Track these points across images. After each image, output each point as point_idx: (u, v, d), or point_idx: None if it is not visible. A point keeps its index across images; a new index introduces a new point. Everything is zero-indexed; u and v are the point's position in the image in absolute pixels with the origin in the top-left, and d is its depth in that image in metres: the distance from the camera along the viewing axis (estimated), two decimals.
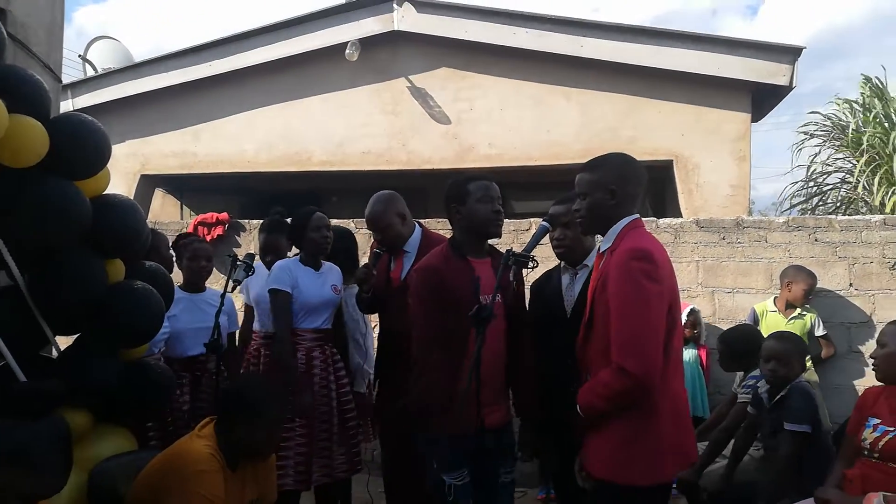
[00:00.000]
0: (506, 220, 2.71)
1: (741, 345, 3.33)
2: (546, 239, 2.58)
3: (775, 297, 4.38)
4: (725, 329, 3.91)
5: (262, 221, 4.03)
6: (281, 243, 3.69)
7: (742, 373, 3.43)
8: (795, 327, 4.19)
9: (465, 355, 2.32)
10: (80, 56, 8.53)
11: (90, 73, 8.11)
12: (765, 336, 3.20)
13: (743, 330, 3.67)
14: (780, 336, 3.03)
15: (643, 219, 4.71)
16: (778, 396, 2.88)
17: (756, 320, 4.33)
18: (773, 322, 4.21)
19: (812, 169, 9.02)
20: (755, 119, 6.58)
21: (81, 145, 2.35)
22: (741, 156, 6.14)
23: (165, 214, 8.07)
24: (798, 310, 4.27)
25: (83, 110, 6.99)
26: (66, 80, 6.04)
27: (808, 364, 4.22)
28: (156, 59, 7.23)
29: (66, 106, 6.91)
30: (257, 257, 3.68)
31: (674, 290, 2.08)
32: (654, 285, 1.97)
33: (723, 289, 4.73)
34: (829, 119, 9.19)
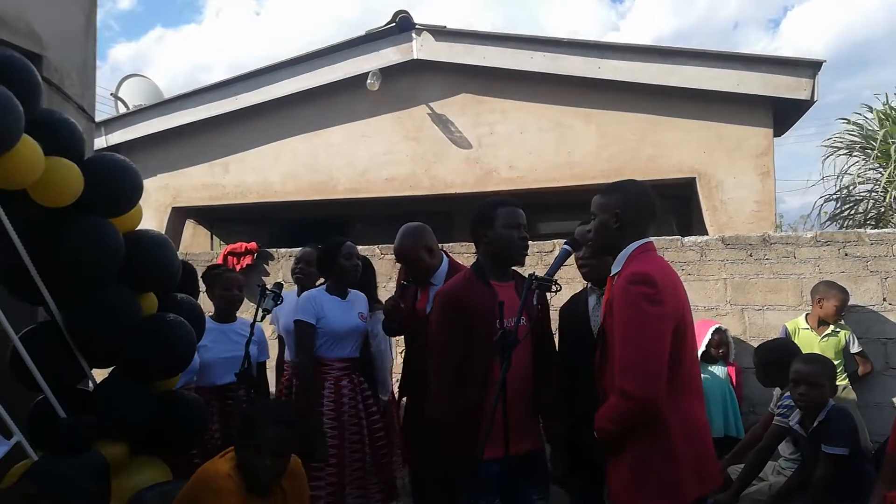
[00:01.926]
0: (529, 242, 2.73)
1: (776, 356, 3.24)
2: (572, 260, 2.60)
3: (807, 315, 4.30)
4: (760, 343, 3.84)
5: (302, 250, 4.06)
6: None
7: (779, 390, 3.36)
8: (829, 345, 4.11)
9: (490, 380, 2.33)
10: (112, 94, 8.81)
11: (122, 110, 8.36)
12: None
13: (779, 343, 3.60)
14: (808, 359, 2.98)
15: (668, 237, 4.77)
16: (816, 422, 2.82)
17: (788, 339, 4.25)
18: (806, 340, 4.13)
19: (841, 181, 8.87)
20: (778, 133, 6.53)
21: (115, 184, 2.44)
22: (765, 171, 6.08)
23: (196, 245, 8.24)
24: (831, 327, 4.19)
25: (116, 147, 7.22)
26: (99, 117, 6.26)
27: (845, 382, 4.13)
28: (184, 95, 7.44)
29: (100, 143, 7.13)
30: (286, 286, 3.74)
31: (681, 311, 2.09)
32: (655, 308, 1.99)
33: (752, 306, 4.67)
34: (856, 127, 9.05)
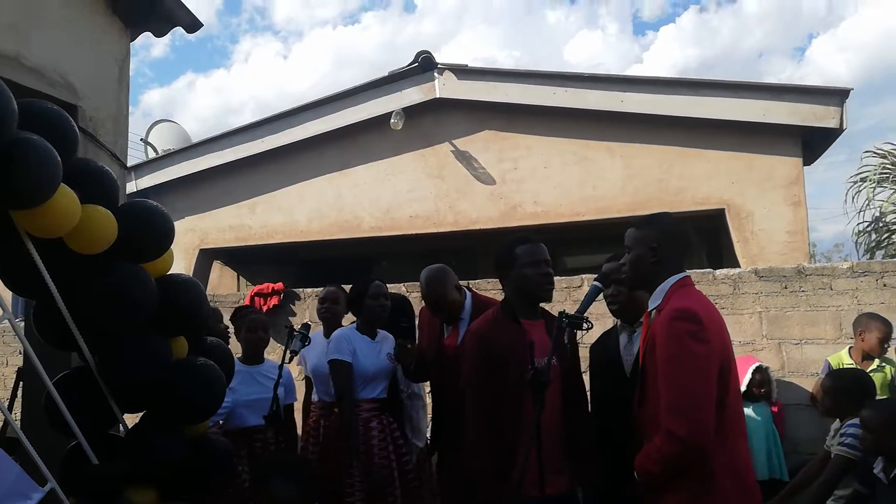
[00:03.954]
0: (556, 277, 2.70)
1: (852, 385, 3.02)
2: (601, 297, 2.55)
3: (850, 349, 4.15)
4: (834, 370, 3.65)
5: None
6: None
7: (836, 424, 3.18)
8: (875, 380, 3.93)
9: (522, 421, 2.28)
10: (142, 139, 9.05)
11: (151, 154, 8.57)
12: None
13: (854, 372, 3.46)
14: (882, 405, 2.83)
15: (699, 270, 4.69)
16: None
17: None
18: None
19: (872, 211, 8.70)
20: (808, 162, 6.45)
21: (147, 230, 2.47)
22: (796, 201, 6.00)
23: (223, 287, 8.32)
24: (876, 361, 4.00)
25: (145, 190, 7.37)
26: (130, 161, 6.41)
27: None
28: (211, 138, 7.61)
29: (131, 187, 7.29)
30: (313, 326, 3.74)
31: (725, 350, 2.04)
32: (701, 346, 1.94)
33: (790, 340, 4.55)
34: (886, 157, 8.92)
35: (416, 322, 3.51)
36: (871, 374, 3.95)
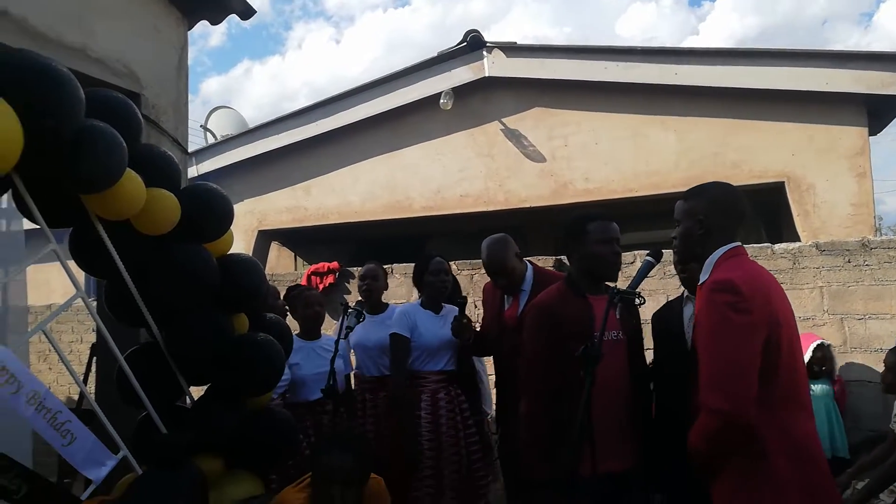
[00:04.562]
0: None
1: None
2: (654, 272, 2.53)
3: None
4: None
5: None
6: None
7: None
8: None
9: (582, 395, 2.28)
10: (201, 126, 9.34)
11: (210, 140, 8.84)
12: None
13: None
14: None
15: (757, 245, 4.57)
16: None
17: None
18: None
19: None
20: (873, 132, 6.16)
21: (209, 212, 2.59)
22: (861, 172, 5.74)
23: (281, 266, 8.56)
24: None
25: (206, 175, 7.62)
26: (190, 147, 6.64)
27: None
28: (267, 123, 7.79)
29: (192, 172, 7.55)
30: None
31: (776, 321, 1.94)
32: (741, 316, 1.87)
33: (853, 315, 4.41)
34: None
35: (482, 299, 3.56)
36: None
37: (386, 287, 3.97)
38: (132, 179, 2.27)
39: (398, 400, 3.23)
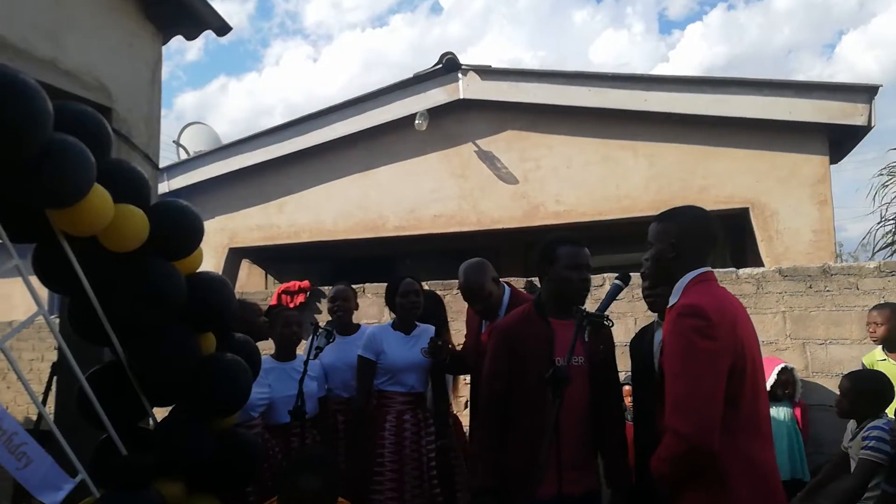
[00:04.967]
0: None
1: (871, 385, 3.00)
2: (623, 295, 2.56)
3: (882, 346, 3.97)
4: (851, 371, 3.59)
5: None
6: None
7: (853, 426, 3.15)
8: None
9: (543, 419, 2.30)
10: (174, 141, 9.24)
11: (183, 156, 8.75)
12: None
13: (873, 373, 3.41)
14: None
15: (722, 270, 4.66)
16: None
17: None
18: (886, 372, 3.79)
19: (889, 208, 8.54)
20: (835, 160, 6.35)
21: (178, 229, 2.55)
22: (822, 199, 5.91)
23: (251, 284, 8.46)
24: None
25: (177, 191, 7.54)
26: (162, 163, 6.57)
27: None
28: (241, 140, 7.75)
29: (163, 188, 7.45)
30: None
31: (741, 348, 1.95)
32: (707, 342, 1.88)
33: (814, 340, 4.50)
34: None
35: (465, 319, 3.57)
36: None
37: (356, 308, 3.96)
38: (100, 195, 2.24)
39: (357, 419, 3.23)
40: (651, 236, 2.18)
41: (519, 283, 5.05)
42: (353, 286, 4.14)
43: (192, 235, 2.61)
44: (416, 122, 6.81)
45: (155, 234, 2.44)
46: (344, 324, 3.76)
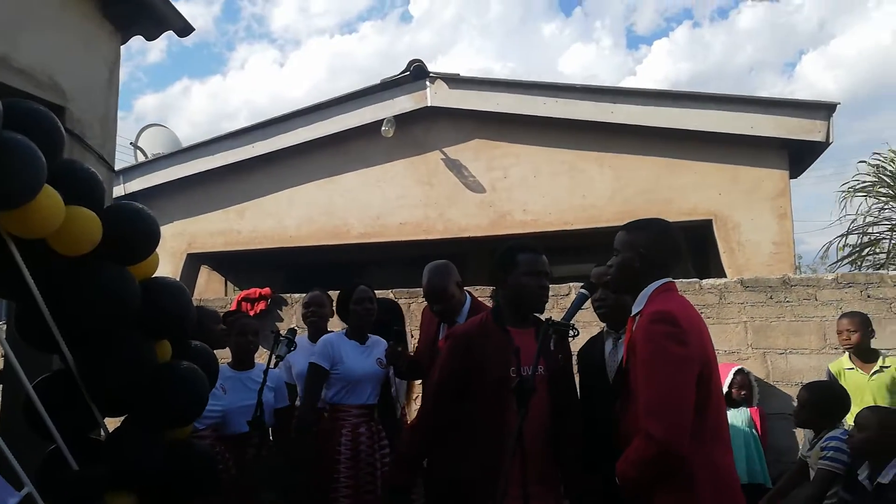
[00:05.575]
0: None
1: (828, 396, 3.06)
2: (588, 304, 2.55)
3: (849, 354, 4.00)
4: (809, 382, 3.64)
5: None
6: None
7: (810, 436, 3.19)
8: (880, 382, 3.83)
9: (503, 430, 2.26)
10: (131, 143, 9.01)
11: (141, 158, 8.53)
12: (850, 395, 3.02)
13: (830, 385, 3.46)
14: (877, 407, 2.84)
15: (685, 280, 4.72)
16: (891, 476, 2.57)
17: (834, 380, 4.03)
18: (853, 381, 3.82)
19: (855, 221, 8.82)
20: (794, 175, 6.52)
21: (132, 233, 2.46)
22: (782, 213, 6.05)
23: (210, 291, 8.28)
24: (878, 362, 3.86)
25: (134, 194, 7.34)
26: (119, 165, 6.39)
27: None
28: (201, 143, 7.60)
29: (119, 191, 7.26)
30: (299, 332, 3.72)
31: (706, 355, 2.01)
32: (680, 348, 1.92)
33: (775, 350, 4.58)
34: (876, 168, 9.03)
35: (420, 323, 3.52)
36: (875, 377, 3.83)
37: (332, 314, 3.86)
38: (50, 196, 2.14)
39: (302, 429, 3.16)
40: (618, 244, 2.20)
41: (485, 291, 5.03)
42: None
43: (147, 239, 2.51)
44: (384, 128, 6.76)
45: (108, 238, 2.34)
46: (318, 330, 3.67)
